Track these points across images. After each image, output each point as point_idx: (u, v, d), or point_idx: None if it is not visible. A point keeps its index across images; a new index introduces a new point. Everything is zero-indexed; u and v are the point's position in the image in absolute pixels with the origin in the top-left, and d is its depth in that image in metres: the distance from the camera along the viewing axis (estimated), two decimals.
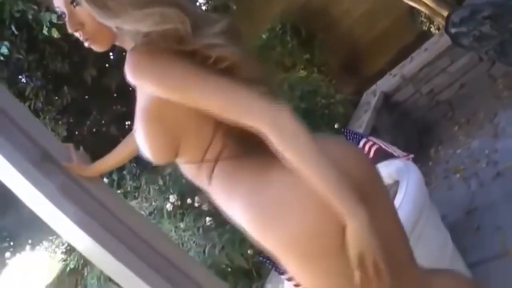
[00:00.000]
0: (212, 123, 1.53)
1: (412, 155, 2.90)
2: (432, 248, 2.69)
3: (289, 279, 2.55)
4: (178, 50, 1.45)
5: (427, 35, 6.82)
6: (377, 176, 1.58)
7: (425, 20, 7.12)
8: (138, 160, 5.45)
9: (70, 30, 1.58)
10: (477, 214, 3.49)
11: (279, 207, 1.42)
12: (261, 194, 1.45)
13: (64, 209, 2.02)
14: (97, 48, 1.62)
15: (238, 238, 3.82)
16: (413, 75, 5.48)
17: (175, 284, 2.19)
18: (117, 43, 1.63)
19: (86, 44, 1.61)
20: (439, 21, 6.51)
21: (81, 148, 2.23)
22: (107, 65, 6.98)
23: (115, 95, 7.05)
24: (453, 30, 3.51)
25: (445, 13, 6.23)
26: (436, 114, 5.45)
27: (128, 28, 1.47)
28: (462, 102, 5.28)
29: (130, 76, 1.46)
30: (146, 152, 1.56)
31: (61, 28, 5.18)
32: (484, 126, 4.56)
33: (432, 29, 6.95)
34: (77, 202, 2.05)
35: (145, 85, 1.49)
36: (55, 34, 5.32)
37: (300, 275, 1.47)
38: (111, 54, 6.89)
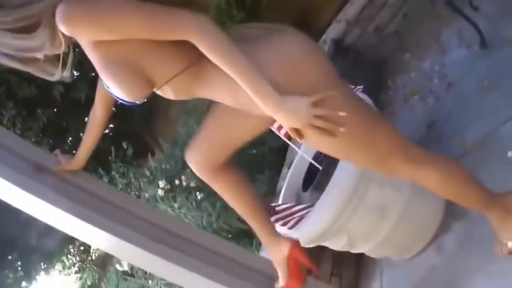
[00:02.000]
0: (157, 43, 1.67)
1: (361, 87, 3.15)
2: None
3: (275, 220, 2.82)
4: None
5: None
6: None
7: None
8: (123, 160, 5.74)
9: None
10: (437, 126, 3.76)
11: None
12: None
13: (62, 206, 2.25)
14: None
15: None
16: (357, 17, 5.71)
17: (183, 251, 2.43)
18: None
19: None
20: None
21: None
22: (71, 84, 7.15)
23: (86, 105, 7.24)
24: None
25: None
26: (387, 47, 5.70)
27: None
28: (408, 30, 5.53)
29: (65, 29, 1.56)
30: (124, 96, 1.73)
31: None
32: (431, 46, 4.83)
33: None
34: (73, 198, 2.29)
35: (82, 34, 1.61)
36: None
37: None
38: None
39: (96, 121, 2.25)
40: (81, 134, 7.55)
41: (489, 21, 4.00)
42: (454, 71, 4.08)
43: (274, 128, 2.93)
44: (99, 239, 2.38)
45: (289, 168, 3.85)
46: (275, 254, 2.24)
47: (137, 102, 1.80)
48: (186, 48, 1.67)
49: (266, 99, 1.62)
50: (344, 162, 2.73)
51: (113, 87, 1.73)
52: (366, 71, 5.52)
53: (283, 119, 1.66)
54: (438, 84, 4.21)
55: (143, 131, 8.33)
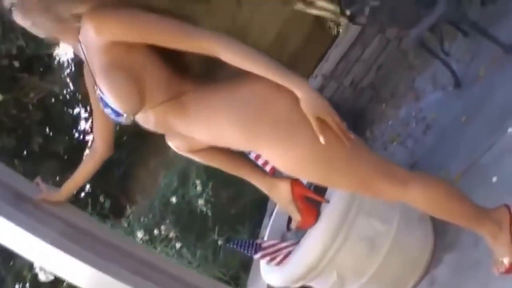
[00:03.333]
0: (162, 66, 1.81)
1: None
2: None
3: (261, 256, 2.75)
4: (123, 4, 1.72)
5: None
6: None
7: (332, 25, 7.56)
8: (99, 213, 5.63)
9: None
10: (420, 164, 3.76)
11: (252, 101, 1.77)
12: (235, 99, 1.79)
13: (43, 236, 2.20)
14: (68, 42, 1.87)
15: (210, 253, 4.01)
16: (332, 72, 5.81)
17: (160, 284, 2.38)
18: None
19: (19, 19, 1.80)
20: (343, 20, 6.95)
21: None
22: (51, 133, 7.17)
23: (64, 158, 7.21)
24: (348, 12, 3.83)
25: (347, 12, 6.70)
26: (363, 99, 5.78)
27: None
28: (382, 82, 5.64)
29: (96, 28, 1.69)
30: (116, 103, 1.76)
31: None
32: (407, 94, 4.91)
33: (341, 30, 7.37)
34: (52, 227, 2.23)
35: (108, 30, 1.70)
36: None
37: (275, 151, 1.80)
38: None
39: (95, 157, 2.26)
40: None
41: (460, 62, 4.12)
42: (431, 113, 4.13)
43: (259, 163, 2.90)
44: (75, 271, 2.29)
45: (270, 216, 3.80)
46: (277, 197, 2.33)
47: (125, 119, 1.82)
48: (179, 80, 1.81)
49: (298, 82, 1.72)
50: (331, 200, 2.69)
51: (111, 93, 1.75)
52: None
53: (313, 97, 1.73)
54: (416, 127, 4.25)
55: (121, 186, 8.25)
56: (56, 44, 1.93)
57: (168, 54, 1.80)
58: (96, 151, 2.26)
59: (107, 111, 1.81)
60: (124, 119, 1.81)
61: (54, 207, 2.36)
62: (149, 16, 1.72)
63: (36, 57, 5.78)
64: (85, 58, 1.81)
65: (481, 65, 3.77)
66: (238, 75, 1.81)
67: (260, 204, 4.82)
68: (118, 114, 1.79)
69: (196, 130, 1.89)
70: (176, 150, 2.16)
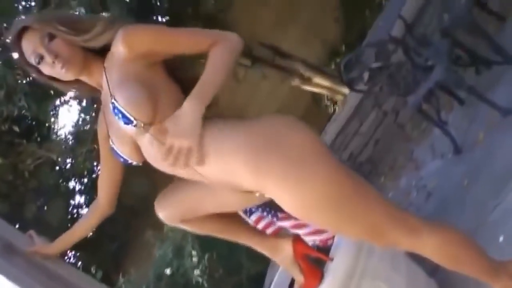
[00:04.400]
0: (176, 90, 1.85)
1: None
2: None
3: None
4: None
5: None
6: None
7: (328, 103, 7.67)
8: None
9: (51, 58, 1.83)
10: None
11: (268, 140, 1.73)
12: (246, 128, 1.77)
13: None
14: (72, 71, 1.87)
15: None
16: (331, 145, 5.82)
17: None
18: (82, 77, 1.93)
19: (63, 71, 1.86)
20: (340, 98, 7.07)
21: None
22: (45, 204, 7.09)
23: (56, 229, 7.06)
24: (347, 78, 3.87)
25: (343, 90, 6.82)
26: (361, 173, 5.72)
27: (96, 40, 1.84)
28: (381, 155, 5.63)
29: (124, 39, 1.77)
30: (130, 108, 1.75)
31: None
32: (406, 165, 4.88)
33: (338, 109, 7.47)
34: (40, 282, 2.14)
35: (140, 39, 1.80)
36: None
37: (283, 188, 1.72)
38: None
39: (96, 212, 2.21)
40: None
41: (458, 129, 4.11)
42: (432, 181, 4.08)
43: (259, 226, 2.84)
44: None
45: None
46: (280, 258, 2.21)
47: (135, 129, 1.81)
48: None
49: (201, 100, 1.70)
50: (334, 261, 2.60)
51: (126, 98, 1.77)
52: None
53: (183, 117, 1.70)
54: (417, 196, 4.19)
55: (114, 258, 8.06)
56: (75, 93, 1.95)
57: (183, 82, 1.87)
58: (98, 206, 2.20)
59: (118, 117, 1.79)
60: (133, 128, 1.79)
61: (45, 260, 2.25)
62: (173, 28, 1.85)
63: (36, 122, 5.79)
64: (107, 84, 1.84)
65: (479, 129, 3.77)
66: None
67: (257, 279, 4.69)
68: (128, 121, 1.77)
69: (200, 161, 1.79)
70: (166, 221, 2.08)
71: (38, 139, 6.39)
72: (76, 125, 6.94)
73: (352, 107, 5.67)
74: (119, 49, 1.79)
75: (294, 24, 8.60)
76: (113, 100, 1.79)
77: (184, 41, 1.83)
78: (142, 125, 1.77)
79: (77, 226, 2.29)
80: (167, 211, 2.05)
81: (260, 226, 2.84)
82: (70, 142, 6.85)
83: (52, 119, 6.43)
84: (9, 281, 2.10)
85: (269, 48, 7.26)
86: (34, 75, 1.96)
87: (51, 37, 1.83)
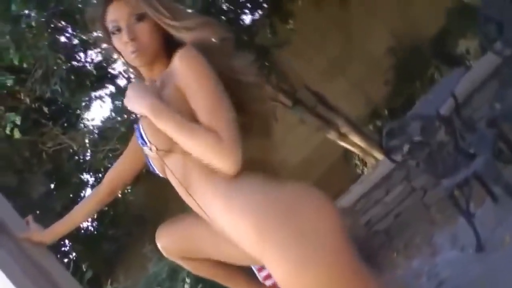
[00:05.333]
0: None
1: None
2: None
3: None
4: (215, 63, 1.67)
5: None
6: None
7: (358, 162, 7.52)
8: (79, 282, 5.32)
9: (128, 38, 1.74)
10: None
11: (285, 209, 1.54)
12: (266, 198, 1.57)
13: (11, 274, 2.00)
14: (140, 60, 1.79)
15: None
16: (351, 207, 5.65)
17: None
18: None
19: (133, 56, 1.77)
20: (372, 162, 6.92)
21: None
22: (52, 186, 7.03)
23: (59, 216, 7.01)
24: (386, 145, 3.75)
25: (376, 154, 6.68)
26: (374, 243, 5.57)
27: (189, 31, 1.72)
28: (398, 230, 5.45)
29: (184, 61, 1.65)
30: (149, 131, 1.68)
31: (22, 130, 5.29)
32: (422, 248, 4.71)
33: (366, 171, 7.32)
34: (24, 269, 2.05)
35: (187, 75, 1.65)
36: (17, 134, 5.35)
37: (284, 266, 1.50)
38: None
39: (97, 197, 2.14)
40: None
41: (485, 226, 3.96)
42: (446, 271, 3.93)
43: (261, 275, 2.71)
44: None
45: None
46: None
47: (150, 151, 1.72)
48: None
49: (160, 115, 1.62)
50: None
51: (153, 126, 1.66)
52: None
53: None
54: (427, 282, 4.03)
55: (107, 261, 7.94)
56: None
57: None
58: (98, 192, 2.13)
59: (137, 134, 1.74)
60: (153, 157, 1.73)
61: (34, 248, 2.15)
62: (219, 89, 1.65)
63: (67, 109, 5.75)
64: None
65: (507, 232, 3.61)
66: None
67: None
68: (143, 142, 1.71)
69: (209, 202, 1.67)
70: (164, 253, 1.99)
71: (65, 124, 6.35)
72: (105, 121, 6.90)
73: (382, 174, 5.51)
74: (176, 63, 1.68)
75: (343, 77, 8.55)
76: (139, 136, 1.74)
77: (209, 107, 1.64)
78: (156, 150, 1.69)
79: (74, 211, 2.20)
80: (167, 243, 1.96)
81: (268, 283, 2.70)
82: (95, 137, 6.81)
83: (83, 110, 6.40)
84: None
85: (313, 94, 7.17)
86: (102, 37, 1.88)
87: (140, 18, 1.74)
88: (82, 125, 6.87)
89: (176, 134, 1.61)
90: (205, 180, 1.66)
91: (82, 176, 7.73)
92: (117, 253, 7.91)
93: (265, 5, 6.96)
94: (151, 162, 1.79)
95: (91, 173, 7.74)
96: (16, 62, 4.93)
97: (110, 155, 5.98)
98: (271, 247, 1.51)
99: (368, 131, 7.16)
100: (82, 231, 8.31)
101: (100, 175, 7.57)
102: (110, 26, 1.79)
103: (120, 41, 1.78)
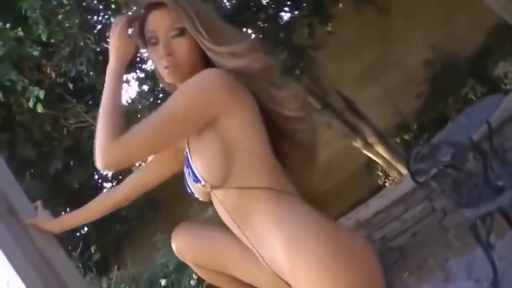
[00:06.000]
0: (268, 151, 1.64)
1: None
2: None
3: None
4: (256, 92, 1.63)
5: (381, 190, 7.06)
6: None
7: (381, 174, 7.41)
8: (85, 263, 5.32)
9: (164, 53, 1.66)
10: None
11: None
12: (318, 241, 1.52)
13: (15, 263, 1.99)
14: (173, 77, 1.70)
15: None
16: (367, 220, 5.56)
17: None
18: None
19: (166, 71, 1.68)
20: (395, 175, 6.81)
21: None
22: (72, 162, 7.04)
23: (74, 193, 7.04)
24: (414, 167, 3.65)
25: (400, 168, 6.57)
26: (386, 259, 5.47)
27: (228, 58, 1.62)
28: (413, 250, 5.35)
29: (195, 76, 1.58)
30: (202, 170, 1.61)
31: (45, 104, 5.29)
32: (435, 272, 4.61)
33: (387, 184, 7.21)
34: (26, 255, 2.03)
35: (229, 98, 1.59)
36: (40, 108, 5.34)
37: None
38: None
39: (111, 199, 2.08)
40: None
41: (503, 260, 3.86)
42: None
43: None
44: None
45: None
46: None
47: (202, 189, 1.69)
48: (277, 173, 1.65)
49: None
50: None
51: (201, 160, 1.64)
52: None
53: None
54: None
55: (117, 245, 7.94)
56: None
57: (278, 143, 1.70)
58: (114, 195, 2.07)
59: (188, 172, 1.68)
60: (199, 189, 1.68)
61: (40, 236, 2.12)
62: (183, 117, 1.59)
63: (92, 89, 5.72)
64: None
65: None
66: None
67: None
68: (197, 179, 1.64)
69: (266, 240, 1.62)
70: (177, 253, 1.92)
71: (90, 102, 6.33)
72: (130, 104, 6.86)
73: (404, 190, 5.40)
74: None
75: (376, 85, 8.42)
76: (187, 149, 1.68)
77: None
78: (210, 187, 1.63)
79: (85, 208, 2.15)
80: (184, 248, 1.89)
81: None
82: None
83: None
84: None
85: (343, 100, 7.08)
86: (139, 43, 1.79)
87: (181, 32, 1.65)
88: None
89: (103, 99, 1.64)
90: (267, 220, 1.61)
91: None
92: (127, 235, 7.91)
93: (304, 5, 6.88)
94: (189, 186, 1.74)
95: None
96: (44, 38, 4.91)
97: None
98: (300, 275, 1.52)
99: (394, 144, 7.04)
100: None
101: None
102: (147, 35, 1.71)
103: (155, 53, 1.70)
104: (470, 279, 4.02)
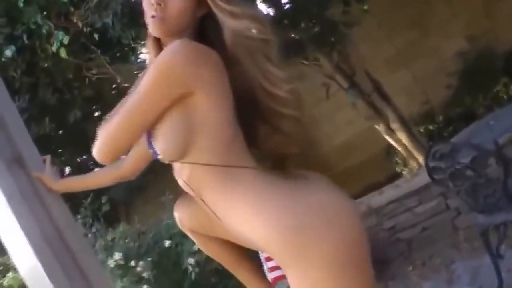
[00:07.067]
0: (235, 129, 1.61)
1: None
2: None
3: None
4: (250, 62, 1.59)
5: (398, 177, 6.94)
6: None
7: (400, 161, 7.27)
8: (94, 212, 5.32)
9: (155, 0, 1.58)
10: None
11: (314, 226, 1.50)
12: (293, 215, 1.51)
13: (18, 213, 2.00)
14: (156, 29, 1.63)
15: None
16: (379, 208, 5.50)
17: None
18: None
19: (151, 21, 1.62)
20: (413, 165, 6.68)
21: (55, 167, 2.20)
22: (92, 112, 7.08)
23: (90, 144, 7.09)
24: (431, 164, 3.55)
25: (420, 158, 6.43)
26: (393, 250, 5.42)
27: (229, 17, 1.57)
28: (421, 244, 5.28)
29: (167, 49, 1.54)
30: (158, 144, 1.60)
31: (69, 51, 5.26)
32: (439, 271, 4.55)
33: (405, 173, 7.07)
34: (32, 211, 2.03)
35: (154, 62, 1.55)
36: (63, 54, 5.32)
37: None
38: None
39: (115, 172, 2.08)
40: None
41: (510, 273, 3.76)
42: None
43: (268, 265, 2.60)
44: (23, 259, 2.08)
45: None
46: None
47: (160, 159, 1.68)
48: (243, 152, 1.64)
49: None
50: None
51: (161, 135, 1.61)
52: None
53: None
54: None
55: (128, 198, 7.98)
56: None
57: (248, 116, 1.65)
58: (120, 168, 2.05)
59: (148, 142, 1.66)
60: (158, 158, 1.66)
61: (46, 190, 2.13)
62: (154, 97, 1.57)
63: (118, 42, 5.64)
64: None
65: None
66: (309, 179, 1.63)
67: None
68: (154, 153, 1.65)
69: (229, 214, 1.62)
70: (179, 223, 1.98)
71: (117, 54, 6.25)
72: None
73: (419, 183, 5.29)
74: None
75: (406, 70, 8.23)
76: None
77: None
78: (166, 161, 1.64)
79: (90, 176, 2.25)
80: (182, 215, 1.95)
81: (271, 275, 2.61)
82: (139, 74, 6.67)
83: (136, 47, 6.25)
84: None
85: (371, 81, 6.90)
86: None
87: None
88: (133, 59, 6.78)
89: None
90: (220, 190, 1.61)
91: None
92: (139, 188, 7.90)
93: None
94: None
95: None
96: None
97: None
98: (293, 264, 1.52)
99: (417, 133, 6.89)
100: None
101: None
102: None
103: (147, 2, 1.62)
104: (473, 285, 3.97)
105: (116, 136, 1.61)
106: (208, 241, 1.96)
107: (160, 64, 1.53)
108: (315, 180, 1.63)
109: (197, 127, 1.55)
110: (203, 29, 1.68)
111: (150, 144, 1.65)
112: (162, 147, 1.59)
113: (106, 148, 1.63)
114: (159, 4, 1.58)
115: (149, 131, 1.63)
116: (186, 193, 1.87)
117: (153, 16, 1.59)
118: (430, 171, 3.60)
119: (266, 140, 1.68)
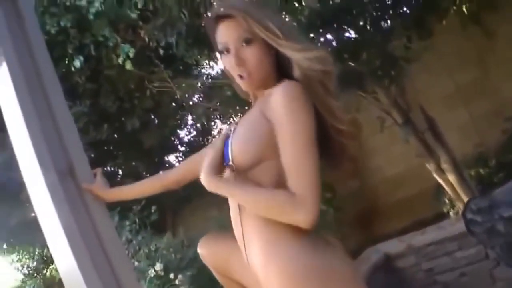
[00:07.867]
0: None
1: None
2: None
3: None
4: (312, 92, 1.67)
5: (444, 217, 6.88)
6: None
7: (448, 202, 7.19)
8: (142, 219, 5.46)
9: (235, 63, 1.75)
10: None
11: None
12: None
13: (63, 218, 2.08)
14: (249, 85, 1.79)
15: None
16: (420, 248, 5.48)
17: None
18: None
19: (241, 81, 1.78)
20: (460, 207, 6.59)
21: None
22: (147, 127, 7.24)
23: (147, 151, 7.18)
24: (468, 216, 3.56)
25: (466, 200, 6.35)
26: None
27: (299, 60, 1.69)
28: None
29: (286, 98, 1.63)
30: (235, 148, 1.70)
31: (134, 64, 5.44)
32: None
33: (451, 213, 6.99)
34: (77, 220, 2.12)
35: (284, 113, 1.63)
36: (128, 66, 5.53)
37: None
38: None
39: (160, 182, 2.22)
40: (119, 174, 7.47)
41: None
42: None
43: None
44: (64, 262, 2.14)
45: None
46: None
47: (230, 165, 1.74)
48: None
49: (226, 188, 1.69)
50: None
51: (240, 139, 1.73)
52: None
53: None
54: None
55: (176, 208, 8.11)
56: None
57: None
58: (165, 179, 2.21)
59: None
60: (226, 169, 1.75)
61: (93, 201, 2.22)
62: (311, 137, 1.64)
63: (180, 59, 5.82)
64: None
65: None
66: None
67: None
68: (226, 158, 1.73)
69: (255, 245, 1.72)
70: (202, 258, 2.05)
71: (181, 67, 6.43)
72: (215, 78, 6.92)
73: (462, 228, 5.21)
74: (276, 99, 1.66)
75: (465, 109, 8.13)
76: (232, 128, 1.77)
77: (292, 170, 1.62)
78: (234, 168, 1.70)
79: (139, 184, 2.30)
80: (206, 254, 2.02)
81: None
82: (202, 90, 6.86)
83: (198, 65, 6.43)
84: (52, 201, 2.09)
85: (426, 119, 6.85)
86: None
87: (249, 41, 1.73)
88: (194, 75, 6.94)
89: (244, 203, 1.67)
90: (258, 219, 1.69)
91: (177, 122, 7.89)
92: (188, 200, 8.06)
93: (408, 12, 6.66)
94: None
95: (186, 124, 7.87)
96: (139, 6, 5.02)
97: (208, 113, 6.02)
98: None
99: (467, 176, 6.80)
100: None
101: (192, 130, 7.62)
102: (219, 46, 1.78)
103: (228, 62, 1.78)
104: None
105: (316, 194, 1.59)
106: (229, 283, 2.01)
107: (296, 108, 1.63)
108: (336, 246, 1.71)
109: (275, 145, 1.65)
110: (280, 65, 1.81)
111: (225, 146, 1.74)
112: (241, 148, 1.69)
113: (314, 207, 1.58)
114: (241, 65, 1.74)
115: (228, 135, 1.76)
116: (213, 232, 2.04)
117: (241, 77, 1.76)
118: (468, 222, 3.61)
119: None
